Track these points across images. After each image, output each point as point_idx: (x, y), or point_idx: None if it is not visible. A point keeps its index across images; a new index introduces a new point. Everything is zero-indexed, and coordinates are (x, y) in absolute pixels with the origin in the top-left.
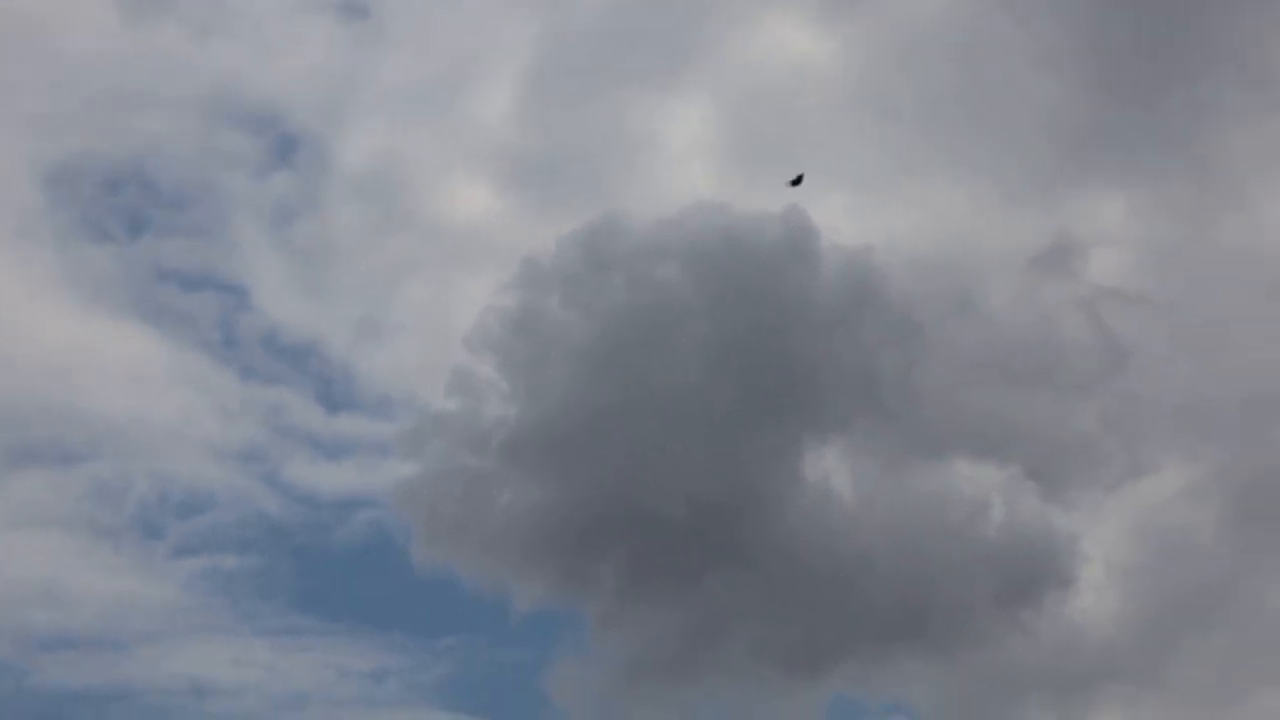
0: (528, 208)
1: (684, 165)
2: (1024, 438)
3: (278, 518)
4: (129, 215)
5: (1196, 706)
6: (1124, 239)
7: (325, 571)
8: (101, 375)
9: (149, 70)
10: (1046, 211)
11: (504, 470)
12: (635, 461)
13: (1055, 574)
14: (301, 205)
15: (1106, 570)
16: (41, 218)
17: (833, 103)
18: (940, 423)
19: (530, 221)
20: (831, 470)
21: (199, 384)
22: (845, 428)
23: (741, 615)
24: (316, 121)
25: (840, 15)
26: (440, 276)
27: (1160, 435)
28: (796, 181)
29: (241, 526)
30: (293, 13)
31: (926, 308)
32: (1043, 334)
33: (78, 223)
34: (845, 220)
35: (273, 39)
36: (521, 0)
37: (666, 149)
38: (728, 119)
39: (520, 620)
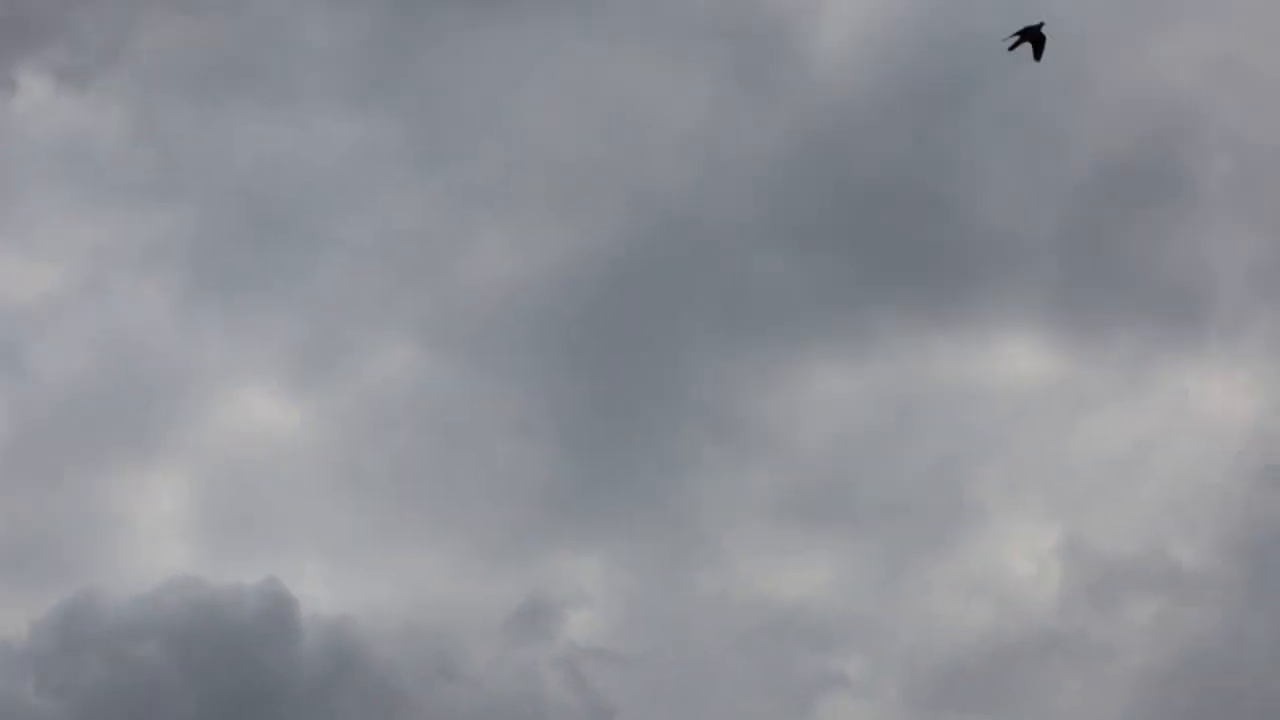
0: None
1: (158, 541)
2: None
3: None
4: None
5: None
6: (600, 596)
7: None
8: None
9: None
10: (522, 573)
11: None
12: None
13: None
14: None
15: None
16: None
17: (306, 472)
18: None
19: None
20: None
21: None
22: None
23: None
24: None
25: (309, 386)
26: None
27: None
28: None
29: None
30: None
31: (407, 675)
32: (525, 696)
33: None
34: (324, 590)
35: None
36: None
37: (140, 525)
38: (200, 493)
39: None
